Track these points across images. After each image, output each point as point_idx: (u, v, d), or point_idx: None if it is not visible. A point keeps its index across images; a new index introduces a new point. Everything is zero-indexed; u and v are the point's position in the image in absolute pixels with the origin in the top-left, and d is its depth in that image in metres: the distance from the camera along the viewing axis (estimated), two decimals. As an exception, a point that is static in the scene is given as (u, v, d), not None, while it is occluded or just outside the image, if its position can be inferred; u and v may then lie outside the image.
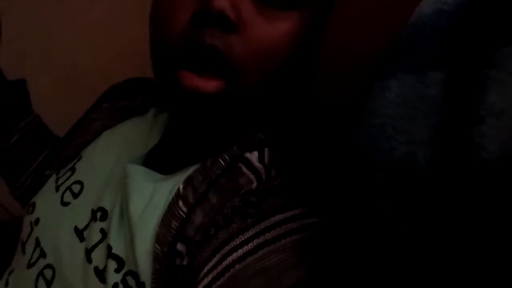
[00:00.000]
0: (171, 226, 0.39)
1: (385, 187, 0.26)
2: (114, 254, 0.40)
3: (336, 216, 0.34)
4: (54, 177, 0.54)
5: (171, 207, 0.40)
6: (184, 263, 0.37)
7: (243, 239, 0.36)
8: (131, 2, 0.80)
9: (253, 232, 0.37)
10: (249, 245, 0.36)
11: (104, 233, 0.42)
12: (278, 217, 0.37)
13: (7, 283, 0.49)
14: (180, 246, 0.38)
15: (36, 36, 0.93)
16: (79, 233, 0.44)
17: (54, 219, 0.48)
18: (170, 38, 0.39)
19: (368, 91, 0.28)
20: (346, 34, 0.31)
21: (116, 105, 0.58)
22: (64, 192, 0.50)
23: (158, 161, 0.47)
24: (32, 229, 0.49)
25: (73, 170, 0.52)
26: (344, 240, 0.33)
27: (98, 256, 0.41)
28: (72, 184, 0.50)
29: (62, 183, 0.51)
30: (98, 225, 0.43)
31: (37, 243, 0.47)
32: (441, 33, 0.25)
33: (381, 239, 0.26)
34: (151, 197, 0.42)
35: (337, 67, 0.32)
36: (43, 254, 0.46)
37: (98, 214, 0.44)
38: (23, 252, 0.49)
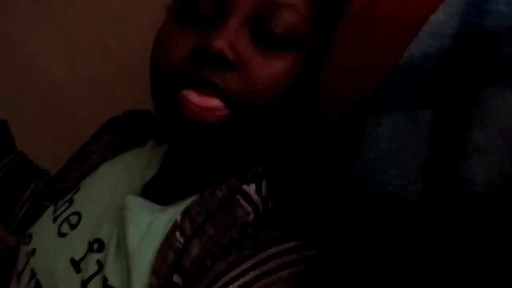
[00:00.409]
0: (168, 258, 0.39)
1: (378, 219, 0.27)
2: (110, 286, 0.40)
3: (332, 249, 0.34)
4: (51, 208, 0.54)
5: (168, 238, 0.40)
6: None
7: (239, 271, 0.37)
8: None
9: (250, 264, 0.37)
10: (245, 277, 0.36)
11: (100, 265, 0.42)
12: (274, 249, 0.38)
13: None
14: (176, 278, 0.38)
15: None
16: (76, 264, 0.44)
17: (51, 250, 0.48)
18: (169, 68, 0.40)
19: (361, 127, 0.29)
20: (340, 73, 0.33)
21: (115, 137, 0.59)
22: (62, 223, 0.50)
23: (156, 192, 0.48)
24: (28, 260, 0.49)
25: (71, 201, 0.52)
26: (339, 272, 0.34)
27: None
28: (69, 215, 0.50)
29: (59, 214, 0.51)
30: (95, 256, 0.43)
31: (33, 274, 0.47)
32: (429, 74, 0.26)
33: (374, 271, 0.27)
34: (148, 228, 0.42)
35: (332, 104, 0.34)
36: (38, 285, 0.46)
37: (95, 246, 0.44)
38: (19, 282, 0.49)
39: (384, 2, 0.32)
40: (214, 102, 0.38)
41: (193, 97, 0.38)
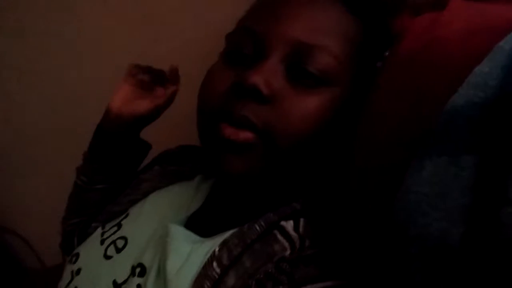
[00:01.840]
0: (204, 286, 0.40)
1: (418, 260, 0.27)
2: None
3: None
4: (99, 230, 0.57)
5: (205, 268, 0.42)
6: None
7: None
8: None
9: None
10: None
11: (139, 286, 0.44)
12: (309, 287, 0.38)
13: None
14: None
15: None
16: (117, 287, 0.46)
17: (95, 271, 0.50)
18: (212, 101, 0.44)
19: (404, 169, 0.30)
20: (386, 113, 0.35)
21: (166, 168, 0.62)
22: (108, 246, 0.52)
23: (199, 224, 0.50)
24: (72, 278, 0.51)
25: (119, 225, 0.55)
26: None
27: None
28: (117, 239, 0.52)
29: (107, 237, 0.54)
30: (136, 280, 0.45)
31: None
32: (473, 121, 0.27)
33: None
34: (188, 257, 0.43)
35: (375, 144, 0.35)
36: None
37: (137, 270, 0.46)
38: None
39: (430, 54, 0.34)
40: (246, 134, 0.41)
41: (227, 130, 0.41)
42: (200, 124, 0.47)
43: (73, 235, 0.64)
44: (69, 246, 0.65)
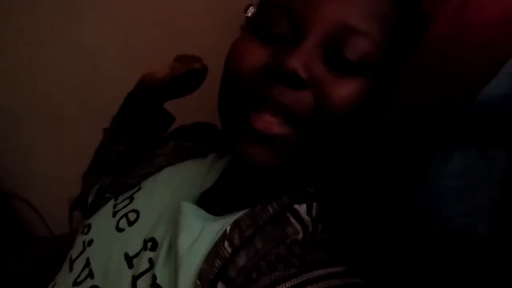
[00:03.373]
0: (214, 265, 0.40)
1: (441, 253, 0.26)
2: (157, 284, 0.41)
3: (382, 277, 0.34)
4: (112, 202, 0.56)
5: (216, 246, 0.41)
6: None
7: (284, 287, 0.37)
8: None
9: (295, 282, 0.37)
10: None
11: (151, 263, 0.44)
12: (321, 271, 0.37)
13: None
14: (220, 286, 0.39)
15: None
16: (129, 260, 0.46)
17: (107, 243, 0.50)
18: (241, 81, 0.41)
19: (429, 157, 0.29)
20: (415, 97, 0.34)
21: (181, 144, 0.61)
22: (120, 218, 0.52)
23: (211, 202, 0.49)
24: (84, 249, 0.52)
25: (131, 199, 0.55)
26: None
27: (143, 284, 0.42)
28: (129, 212, 0.52)
29: (119, 210, 0.54)
30: (148, 254, 0.45)
31: (87, 263, 0.49)
32: (507, 115, 0.26)
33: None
34: (199, 234, 0.43)
35: (402, 129, 0.34)
36: (91, 275, 0.48)
37: (149, 244, 0.46)
38: (71, 269, 0.51)
39: (461, 40, 0.33)
40: (281, 128, 0.39)
41: (260, 122, 0.39)
42: (226, 105, 0.44)
43: (87, 193, 0.65)
44: (82, 206, 0.66)
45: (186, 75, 0.65)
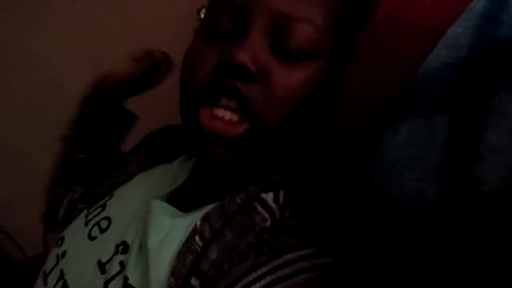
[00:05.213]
0: (187, 260, 0.40)
1: (397, 220, 0.28)
2: (129, 284, 0.41)
3: (349, 253, 0.35)
4: (85, 212, 0.56)
5: (188, 242, 0.42)
6: None
7: (256, 275, 0.37)
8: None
9: (266, 269, 0.38)
10: (262, 281, 0.37)
11: (122, 265, 0.44)
12: (291, 256, 0.38)
13: None
14: (194, 281, 0.39)
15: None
16: (102, 266, 0.46)
17: (81, 253, 0.49)
18: (194, 82, 0.43)
19: (380, 133, 0.31)
20: (362, 80, 0.35)
21: (152, 150, 0.62)
22: (93, 227, 0.52)
23: (181, 199, 0.49)
24: (58, 261, 0.51)
25: (103, 206, 0.54)
26: (356, 277, 0.34)
27: (115, 287, 0.42)
28: (101, 219, 0.52)
29: (91, 218, 0.53)
30: (119, 258, 0.45)
31: (61, 275, 0.49)
32: (446, 82, 0.28)
33: (393, 269, 0.28)
34: (169, 231, 0.43)
35: (353, 110, 0.35)
36: (65, 286, 0.47)
37: (120, 248, 0.46)
38: (45, 283, 0.50)
39: (405, 17, 0.34)
40: (237, 128, 0.41)
41: (217, 124, 0.41)
42: (184, 108, 0.46)
43: (57, 207, 0.64)
44: (53, 220, 0.65)
45: (154, 67, 0.65)
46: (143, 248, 0.43)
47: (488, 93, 0.25)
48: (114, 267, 0.44)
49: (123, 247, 0.46)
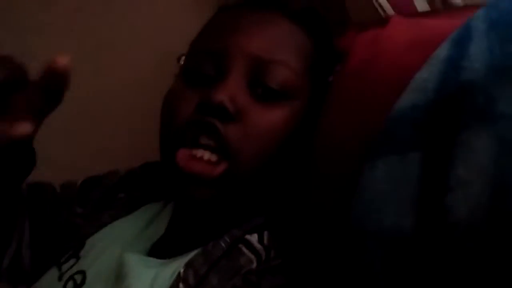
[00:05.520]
0: None
1: (376, 252, 0.29)
2: None
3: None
4: (55, 267, 0.51)
5: None
6: None
7: None
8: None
9: None
10: None
11: None
12: None
13: None
14: None
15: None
16: None
17: None
18: (174, 123, 0.44)
19: (358, 170, 0.32)
20: (338, 124, 0.37)
21: (131, 195, 0.58)
22: (67, 281, 0.48)
23: (163, 249, 0.48)
24: None
25: (77, 258, 0.50)
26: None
27: None
28: (75, 273, 0.48)
29: (65, 271, 0.49)
30: None
31: None
32: (416, 122, 0.30)
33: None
34: (152, 283, 0.42)
35: (331, 152, 0.37)
36: None
37: None
38: None
39: (375, 66, 0.37)
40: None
41: (197, 165, 0.41)
42: (163, 149, 0.47)
43: None
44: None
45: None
46: None
47: (454, 130, 0.27)
48: None
49: None
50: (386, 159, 0.31)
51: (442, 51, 0.32)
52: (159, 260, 0.45)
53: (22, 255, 0.55)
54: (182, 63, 0.50)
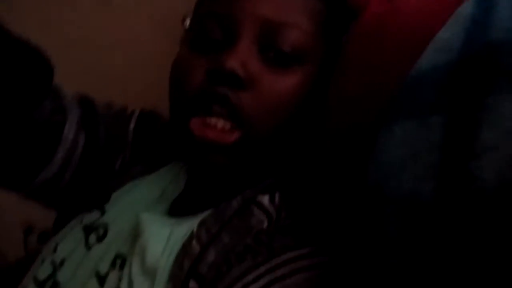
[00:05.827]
0: (184, 265, 0.41)
1: (394, 219, 0.28)
2: None
3: (346, 252, 0.36)
4: (80, 216, 0.52)
5: (185, 247, 0.42)
6: None
7: (254, 276, 0.38)
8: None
9: (264, 269, 0.38)
10: (260, 281, 0.38)
11: (121, 279, 0.43)
12: (288, 255, 0.39)
13: None
14: (192, 284, 0.40)
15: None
16: (101, 279, 0.45)
17: (79, 262, 0.48)
18: (185, 92, 0.43)
19: (375, 134, 0.32)
20: (355, 83, 0.36)
21: (156, 150, 0.58)
22: (90, 234, 0.49)
23: (180, 208, 0.49)
24: (54, 270, 0.49)
25: (102, 211, 0.52)
26: (353, 276, 0.35)
27: None
28: (98, 226, 0.50)
29: (89, 224, 0.51)
30: (117, 271, 0.44)
31: (55, 283, 0.47)
32: (438, 84, 0.29)
33: (390, 268, 0.29)
34: (168, 239, 0.43)
35: (347, 111, 0.36)
36: None
37: (118, 261, 0.45)
38: None
39: (395, 17, 0.35)
40: (230, 136, 0.41)
41: (210, 132, 0.41)
42: (175, 118, 0.46)
43: None
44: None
45: None
46: (143, 261, 0.42)
47: (481, 93, 0.26)
48: (114, 282, 0.43)
49: (121, 261, 0.45)
50: (404, 123, 0.30)
51: (466, 9, 0.30)
52: (174, 219, 0.46)
53: (66, 171, 0.52)
54: (186, 26, 0.48)
